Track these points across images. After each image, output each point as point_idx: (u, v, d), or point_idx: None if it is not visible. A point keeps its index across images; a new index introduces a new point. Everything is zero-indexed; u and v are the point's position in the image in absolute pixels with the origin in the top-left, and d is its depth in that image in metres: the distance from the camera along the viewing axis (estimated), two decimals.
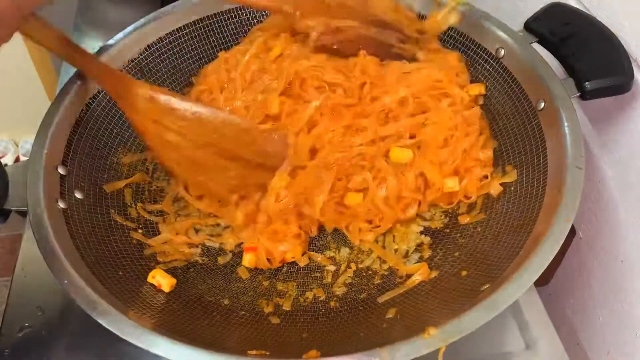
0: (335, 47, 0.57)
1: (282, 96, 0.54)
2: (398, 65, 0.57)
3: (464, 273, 0.48)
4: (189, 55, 0.63)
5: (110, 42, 0.59)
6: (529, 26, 0.55)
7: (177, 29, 0.62)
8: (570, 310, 0.63)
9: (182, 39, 0.62)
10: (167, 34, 0.61)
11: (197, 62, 0.63)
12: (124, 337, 0.38)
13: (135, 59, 0.60)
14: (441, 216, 0.55)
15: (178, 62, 0.63)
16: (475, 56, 0.59)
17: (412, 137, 0.54)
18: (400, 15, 0.60)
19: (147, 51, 0.60)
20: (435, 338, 0.37)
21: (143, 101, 0.51)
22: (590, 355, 0.60)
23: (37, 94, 0.84)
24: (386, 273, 0.51)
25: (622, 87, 0.49)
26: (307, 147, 0.53)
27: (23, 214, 0.50)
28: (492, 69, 0.57)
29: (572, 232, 0.59)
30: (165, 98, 0.52)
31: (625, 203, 0.53)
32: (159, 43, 0.61)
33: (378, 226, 0.54)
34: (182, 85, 0.63)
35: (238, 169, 0.53)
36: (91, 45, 0.75)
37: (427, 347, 0.37)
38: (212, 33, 0.64)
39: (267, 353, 0.40)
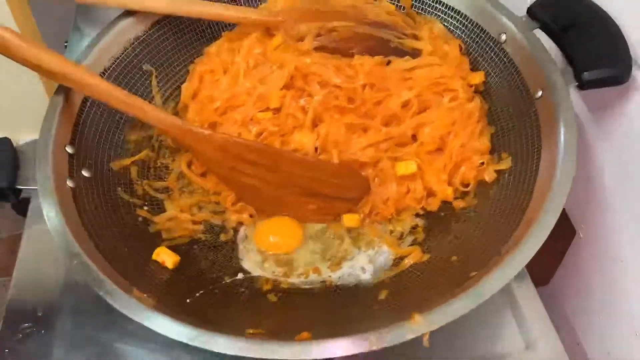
0: (333, 46, 0.57)
1: (283, 89, 0.55)
2: (400, 63, 0.57)
3: (454, 258, 0.49)
4: (192, 34, 0.63)
5: (114, 19, 0.58)
6: (532, 12, 0.54)
7: None
8: (570, 310, 0.62)
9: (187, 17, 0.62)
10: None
11: (200, 41, 0.63)
12: (130, 316, 0.40)
13: (140, 37, 0.60)
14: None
15: (182, 40, 0.63)
16: (477, 39, 0.59)
17: (413, 136, 0.55)
18: (396, 17, 0.59)
19: (153, 29, 0.60)
20: (419, 324, 0.38)
21: (213, 151, 0.52)
22: (590, 355, 0.59)
23: (37, 94, 0.84)
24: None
25: (619, 78, 0.49)
26: (312, 144, 0.54)
27: (24, 213, 0.51)
28: (493, 54, 0.57)
29: (572, 232, 0.59)
30: (238, 146, 0.51)
31: (625, 203, 0.53)
32: (164, 20, 0.61)
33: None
34: (185, 63, 0.63)
35: (318, 203, 0.54)
36: None
37: (411, 333, 0.38)
38: None
39: (263, 332, 0.42)
